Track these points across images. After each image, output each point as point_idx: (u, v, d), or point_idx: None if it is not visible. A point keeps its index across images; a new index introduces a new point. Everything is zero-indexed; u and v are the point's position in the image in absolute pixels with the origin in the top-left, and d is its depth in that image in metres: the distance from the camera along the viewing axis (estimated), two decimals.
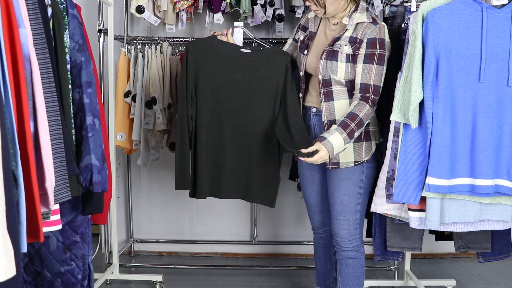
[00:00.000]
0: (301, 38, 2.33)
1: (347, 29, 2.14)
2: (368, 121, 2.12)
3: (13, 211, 1.29)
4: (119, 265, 3.01)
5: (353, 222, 2.23)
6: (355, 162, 2.18)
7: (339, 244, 2.26)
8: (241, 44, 2.42)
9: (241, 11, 2.95)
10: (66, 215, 1.96)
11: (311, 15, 2.32)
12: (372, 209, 2.18)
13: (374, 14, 2.78)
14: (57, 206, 1.69)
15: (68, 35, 1.85)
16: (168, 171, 3.40)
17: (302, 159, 2.04)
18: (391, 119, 2.00)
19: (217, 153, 2.39)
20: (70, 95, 1.85)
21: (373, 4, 2.92)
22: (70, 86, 1.85)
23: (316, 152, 2.02)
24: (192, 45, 2.34)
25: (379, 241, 2.37)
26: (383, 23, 2.15)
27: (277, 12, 3.04)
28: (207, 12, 3.09)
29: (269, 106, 2.33)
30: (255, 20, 3.04)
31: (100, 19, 3.05)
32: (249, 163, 2.38)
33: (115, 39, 2.93)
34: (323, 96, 2.17)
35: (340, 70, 2.12)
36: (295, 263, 3.40)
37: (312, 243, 2.57)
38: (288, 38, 2.48)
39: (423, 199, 2.01)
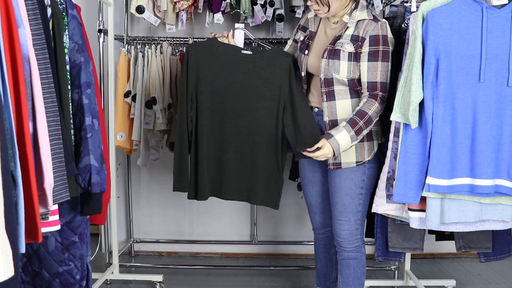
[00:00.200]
0: (301, 38, 2.32)
1: (348, 27, 2.14)
2: (377, 119, 2.12)
3: (11, 212, 1.29)
4: (119, 265, 3.01)
5: (354, 222, 2.23)
6: (357, 162, 2.18)
7: (340, 244, 2.26)
8: (242, 46, 2.42)
9: (241, 11, 2.95)
10: (65, 215, 1.96)
11: (310, 15, 2.31)
12: (373, 209, 2.18)
13: (375, 13, 2.77)
14: (55, 207, 1.69)
15: (67, 36, 1.85)
16: (168, 171, 3.40)
17: (304, 153, 2.04)
18: (391, 119, 2.00)
19: (219, 155, 2.38)
20: (69, 95, 1.85)
21: (373, 4, 2.91)
22: (69, 87, 1.85)
23: (319, 148, 2.02)
24: (192, 47, 2.34)
25: (380, 241, 2.37)
26: (384, 19, 2.15)
27: (277, 12, 3.04)
28: (207, 12, 3.09)
29: (271, 107, 2.33)
30: (255, 20, 3.04)
31: (100, 19, 3.05)
32: (252, 165, 2.37)
33: (115, 39, 2.93)
34: (324, 95, 2.17)
35: (343, 69, 2.12)
36: (295, 263, 3.40)
37: (312, 243, 2.56)
38: (288, 38, 2.47)
39: (423, 199, 2.01)
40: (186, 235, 3.60)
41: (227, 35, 2.38)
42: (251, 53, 2.34)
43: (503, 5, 1.93)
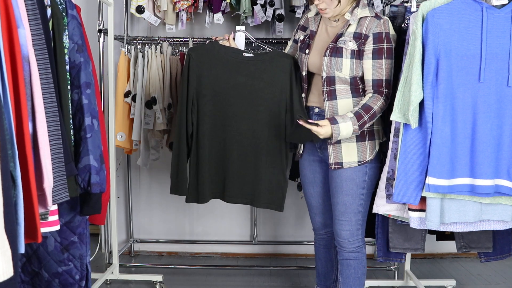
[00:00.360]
0: (301, 37, 2.32)
1: (350, 25, 2.13)
2: (380, 114, 2.12)
3: (11, 212, 1.29)
4: (119, 265, 3.01)
5: (355, 222, 2.22)
6: (359, 162, 2.18)
7: (340, 244, 2.26)
8: (243, 48, 2.42)
9: (241, 11, 2.95)
10: (64, 215, 1.96)
11: (310, 14, 2.31)
12: (374, 210, 2.17)
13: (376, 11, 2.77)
14: (55, 207, 1.69)
15: (67, 36, 1.85)
16: (168, 171, 3.38)
17: (301, 121, 2.04)
18: (391, 119, 2.00)
19: (222, 158, 2.38)
20: (69, 95, 1.85)
21: (373, 4, 2.91)
22: (69, 87, 1.85)
23: (318, 125, 2.03)
24: (194, 51, 2.34)
25: (381, 242, 2.37)
26: (386, 17, 2.15)
27: (277, 12, 3.04)
28: (207, 12, 3.09)
29: (273, 109, 2.33)
30: (255, 20, 3.04)
31: (100, 19, 3.05)
32: (255, 168, 2.37)
33: (115, 39, 2.93)
34: (326, 95, 2.16)
35: (345, 67, 2.11)
36: (295, 263, 3.40)
37: (312, 243, 2.56)
38: (288, 38, 2.47)
39: (423, 199, 2.01)
40: (186, 235, 3.60)
41: (228, 38, 2.39)
42: (252, 55, 2.34)
43: (503, 5, 1.92)
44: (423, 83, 1.93)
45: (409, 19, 2.12)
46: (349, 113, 2.07)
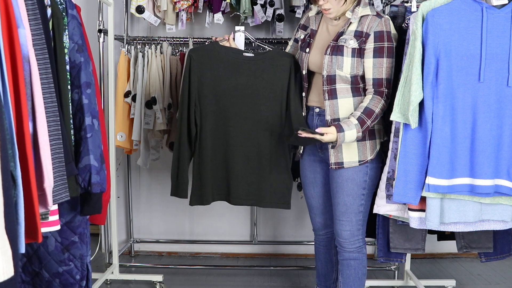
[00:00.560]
0: (302, 36, 2.32)
1: (351, 23, 2.13)
2: (382, 115, 2.13)
3: (11, 212, 1.29)
4: (119, 265, 3.01)
5: (356, 223, 2.22)
6: (359, 161, 2.17)
7: (341, 244, 2.26)
8: (243, 48, 2.42)
9: (240, 12, 2.95)
10: (65, 215, 1.96)
11: (311, 13, 2.31)
12: (375, 210, 2.17)
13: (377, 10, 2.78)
14: (55, 207, 1.69)
15: (67, 36, 1.85)
16: (168, 171, 3.37)
17: (304, 134, 2.04)
18: (391, 119, 2.00)
19: (225, 159, 2.38)
20: (69, 95, 1.85)
21: (373, 4, 2.91)
22: (69, 87, 1.85)
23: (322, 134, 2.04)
24: (194, 52, 2.34)
25: (382, 242, 2.37)
26: (387, 16, 2.15)
27: (277, 12, 3.04)
28: (207, 12, 3.09)
29: (275, 108, 2.33)
30: (255, 20, 3.04)
31: (100, 19, 3.05)
32: (259, 168, 2.37)
33: (115, 39, 2.93)
34: (326, 94, 2.16)
35: (346, 65, 2.11)
36: (295, 263, 3.40)
37: (312, 243, 2.56)
38: (288, 38, 2.48)
39: (423, 199, 2.01)
40: (186, 235, 3.60)
41: (228, 38, 2.39)
42: (253, 55, 2.34)
43: (503, 5, 1.93)
44: (423, 83, 1.93)
45: (409, 19, 2.12)
46: (353, 118, 2.07)
